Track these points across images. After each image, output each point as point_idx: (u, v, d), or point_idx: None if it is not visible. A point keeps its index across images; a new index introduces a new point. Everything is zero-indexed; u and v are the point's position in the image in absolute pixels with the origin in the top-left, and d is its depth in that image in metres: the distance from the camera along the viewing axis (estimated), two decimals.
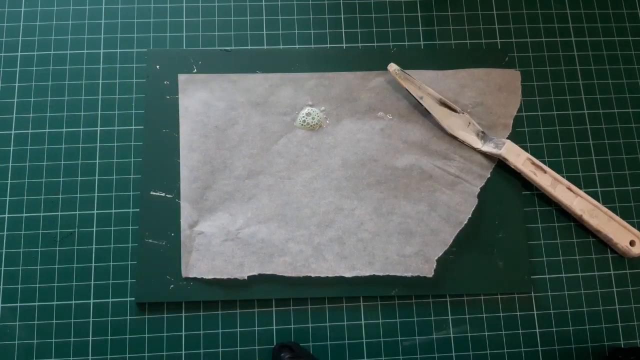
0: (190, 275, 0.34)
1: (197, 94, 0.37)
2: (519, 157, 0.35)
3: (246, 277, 0.34)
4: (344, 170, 0.36)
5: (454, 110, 0.36)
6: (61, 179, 0.36)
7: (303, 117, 0.36)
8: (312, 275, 0.34)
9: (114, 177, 0.36)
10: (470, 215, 0.36)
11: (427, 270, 0.35)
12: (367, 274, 0.34)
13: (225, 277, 0.34)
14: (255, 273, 0.34)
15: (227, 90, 0.37)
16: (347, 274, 0.34)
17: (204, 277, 0.34)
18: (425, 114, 0.37)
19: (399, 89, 0.37)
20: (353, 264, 0.35)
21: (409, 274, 0.34)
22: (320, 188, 0.36)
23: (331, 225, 0.35)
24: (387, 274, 0.34)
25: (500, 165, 0.37)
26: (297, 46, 0.39)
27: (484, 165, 0.36)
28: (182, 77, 0.37)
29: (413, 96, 0.37)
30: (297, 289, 0.34)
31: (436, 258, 0.35)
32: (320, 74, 0.37)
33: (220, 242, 0.34)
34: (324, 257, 0.35)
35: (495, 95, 0.37)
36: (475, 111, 0.37)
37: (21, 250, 0.35)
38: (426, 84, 0.37)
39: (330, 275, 0.34)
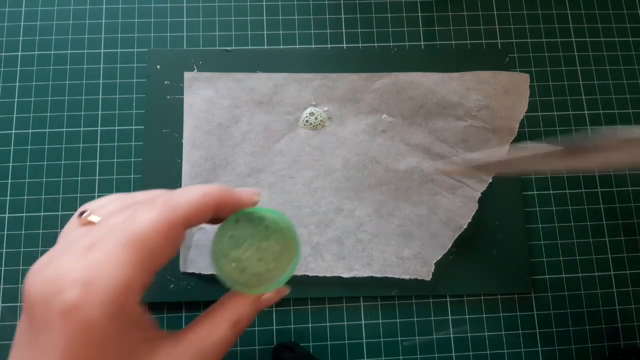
0: (188, 271, 0.34)
1: (202, 92, 0.37)
2: None
3: None
4: (345, 170, 0.36)
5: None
6: (61, 178, 0.36)
7: (306, 116, 0.36)
8: (310, 274, 0.34)
9: (115, 177, 0.36)
10: (470, 220, 0.36)
11: (425, 273, 0.35)
12: (365, 275, 0.34)
13: None
14: None
15: (232, 88, 0.37)
16: (345, 275, 0.34)
17: (202, 273, 0.34)
18: (428, 117, 0.37)
19: (403, 91, 0.37)
20: (351, 265, 0.35)
21: (406, 277, 0.35)
22: (320, 188, 0.36)
23: (330, 225, 0.35)
24: (385, 275, 0.34)
25: None
26: (297, 46, 0.39)
27: None
28: (187, 75, 0.37)
29: None
30: (296, 289, 0.34)
31: (434, 262, 0.35)
32: (324, 75, 0.37)
33: None
34: (322, 256, 0.35)
35: (501, 99, 0.37)
36: (480, 114, 0.37)
37: (21, 250, 0.35)
38: (431, 87, 0.37)
39: (328, 275, 0.34)
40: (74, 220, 0.23)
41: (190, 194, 0.21)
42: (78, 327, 0.18)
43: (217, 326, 0.22)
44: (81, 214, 0.23)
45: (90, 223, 0.22)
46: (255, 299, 0.24)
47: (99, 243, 0.20)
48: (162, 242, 0.20)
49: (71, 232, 0.22)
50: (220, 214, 0.22)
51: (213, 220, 0.24)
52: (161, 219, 0.20)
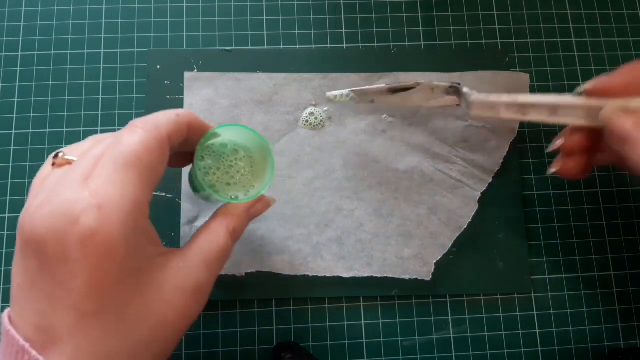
0: None
1: (202, 92, 0.37)
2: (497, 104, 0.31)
3: (244, 274, 0.34)
4: (345, 170, 0.36)
5: (410, 88, 0.33)
6: None
7: (306, 116, 0.36)
8: (310, 274, 0.34)
9: None
10: (470, 220, 0.36)
11: (425, 273, 0.35)
12: (365, 274, 0.34)
13: (222, 273, 0.34)
14: (252, 270, 0.34)
15: (232, 88, 0.37)
16: (345, 274, 0.34)
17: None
18: (428, 117, 0.37)
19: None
20: (351, 265, 0.35)
21: (406, 277, 0.35)
22: (320, 188, 0.36)
23: (330, 225, 0.35)
24: (384, 275, 0.34)
25: (501, 166, 0.37)
26: (297, 46, 0.39)
27: (486, 169, 0.36)
28: (187, 75, 0.37)
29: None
30: (297, 289, 0.34)
31: (434, 262, 0.35)
32: (324, 75, 0.37)
33: None
34: (322, 256, 0.35)
35: None
36: None
37: None
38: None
39: (328, 274, 0.34)
40: (46, 167, 0.24)
41: (165, 114, 0.23)
42: (99, 250, 0.19)
43: (217, 236, 0.25)
44: (55, 156, 0.23)
45: (68, 162, 0.23)
46: (245, 209, 0.26)
47: (94, 171, 0.20)
48: (154, 158, 0.21)
49: (47, 178, 0.23)
50: (192, 134, 0.25)
51: (184, 146, 0.25)
52: (148, 137, 0.21)
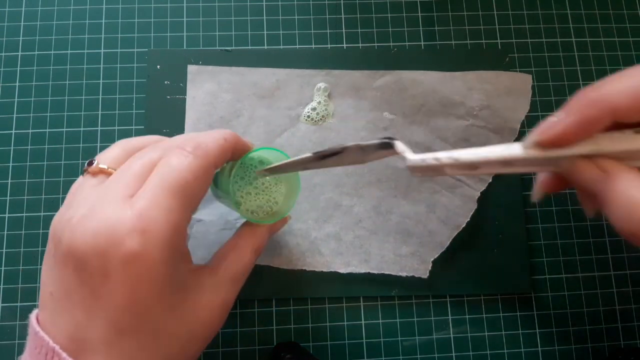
0: None
1: (205, 85, 0.37)
2: None
3: None
4: (345, 166, 0.36)
5: (338, 152, 0.25)
6: (61, 179, 0.36)
7: (308, 112, 0.37)
8: (307, 269, 0.34)
9: None
10: (468, 219, 0.36)
11: (422, 271, 0.35)
12: (362, 270, 0.34)
13: None
14: None
15: (235, 82, 0.37)
16: (342, 270, 0.34)
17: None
18: (430, 115, 0.37)
19: (405, 89, 0.37)
20: (348, 260, 0.35)
21: (404, 274, 0.34)
22: (320, 183, 0.36)
23: (329, 221, 0.35)
24: (382, 272, 0.34)
25: None
26: (297, 46, 0.39)
27: None
28: (191, 68, 0.37)
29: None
30: (296, 289, 0.34)
31: (432, 260, 0.35)
32: (327, 71, 0.37)
33: (217, 230, 0.34)
34: (320, 251, 0.35)
35: (503, 99, 0.37)
36: (481, 114, 0.37)
37: (21, 249, 0.35)
38: (433, 85, 0.37)
39: (325, 270, 0.34)
40: (81, 178, 0.24)
41: (214, 140, 0.24)
42: (141, 273, 0.20)
43: (243, 254, 0.26)
44: (89, 164, 0.24)
45: (102, 171, 0.23)
46: (268, 229, 0.28)
47: (139, 191, 0.21)
48: (199, 185, 0.22)
49: (83, 187, 0.23)
50: (234, 154, 0.26)
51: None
52: (198, 164, 0.22)
